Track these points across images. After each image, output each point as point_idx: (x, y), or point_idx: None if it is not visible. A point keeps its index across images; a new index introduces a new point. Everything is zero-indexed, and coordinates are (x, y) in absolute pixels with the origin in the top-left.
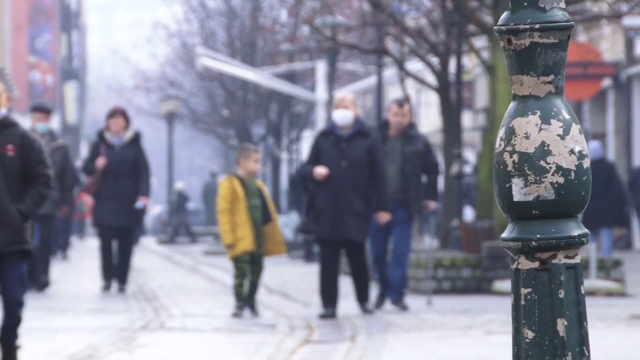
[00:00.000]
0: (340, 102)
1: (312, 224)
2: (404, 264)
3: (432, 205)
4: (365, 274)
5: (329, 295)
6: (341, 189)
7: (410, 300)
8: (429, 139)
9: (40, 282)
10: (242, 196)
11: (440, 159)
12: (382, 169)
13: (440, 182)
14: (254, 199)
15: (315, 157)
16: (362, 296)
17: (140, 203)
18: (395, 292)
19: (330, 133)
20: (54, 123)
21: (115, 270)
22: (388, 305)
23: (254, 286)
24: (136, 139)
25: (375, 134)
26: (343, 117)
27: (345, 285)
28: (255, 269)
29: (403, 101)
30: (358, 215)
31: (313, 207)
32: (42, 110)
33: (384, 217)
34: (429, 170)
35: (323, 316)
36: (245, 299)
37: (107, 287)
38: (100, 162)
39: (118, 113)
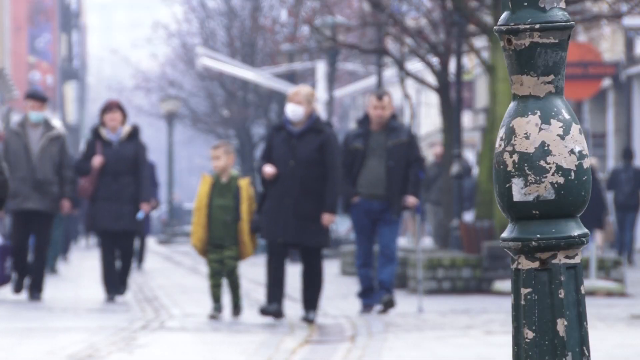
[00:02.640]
0: (293, 96)
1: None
2: (393, 261)
3: (411, 200)
4: (317, 281)
5: (273, 293)
6: (289, 189)
7: (410, 300)
8: (412, 131)
9: (33, 298)
10: (204, 195)
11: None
12: (334, 167)
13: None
14: (222, 198)
15: (268, 153)
16: (309, 303)
17: (141, 213)
18: (385, 290)
19: (282, 128)
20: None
21: (117, 278)
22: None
23: (231, 287)
24: (135, 133)
25: (331, 130)
26: (294, 112)
27: (345, 285)
28: (225, 269)
29: (382, 93)
30: (305, 218)
31: (262, 206)
32: (36, 98)
33: (327, 219)
34: (412, 164)
35: (265, 311)
36: (225, 300)
37: (111, 299)
38: (97, 160)
39: (114, 107)
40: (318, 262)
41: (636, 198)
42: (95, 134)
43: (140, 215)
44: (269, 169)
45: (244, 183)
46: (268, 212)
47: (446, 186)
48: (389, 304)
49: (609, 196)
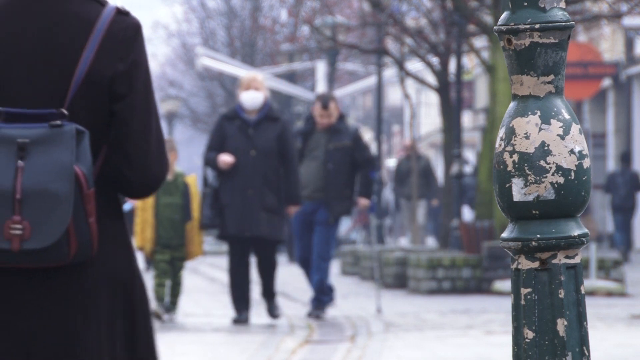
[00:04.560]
0: (251, 82)
1: (216, 219)
2: (322, 269)
3: (364, 202)
4: (274, 272)
5: (241, 299)
6: (250, 181)
7: (410, 300)
8: (360, 130)
9: None
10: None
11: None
12: (293, 157)
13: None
14: (170, 196)
15: (220, 143)
16: (270, 295)
17: (128, 205)
18: (313, 299)
19: (235, 117)
20: None
21: None
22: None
23: (173, 287)
24: None
25: (285, 118)
26: (253, 98)
27: (345, 284)
28: (172, 270)
29: (327, 100)
30: (269, 210)
31: (218, 200)
32: None
33: (293, 210)
34: (360, 165)
35: (237, 321)
36: (166, 300)
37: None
38: None
39: None
40: (275, 256)
41: (632, 200)
42: None
43: (126, 206)
44: (228, 158)
45: (192, 180)
46: (230, 206)
47: (446, 186)
48: (316, 318)
49: (606, 198)
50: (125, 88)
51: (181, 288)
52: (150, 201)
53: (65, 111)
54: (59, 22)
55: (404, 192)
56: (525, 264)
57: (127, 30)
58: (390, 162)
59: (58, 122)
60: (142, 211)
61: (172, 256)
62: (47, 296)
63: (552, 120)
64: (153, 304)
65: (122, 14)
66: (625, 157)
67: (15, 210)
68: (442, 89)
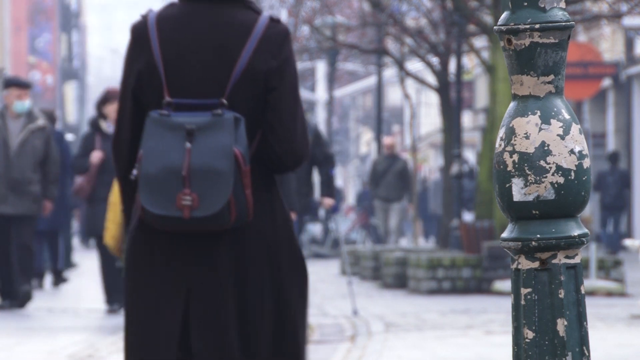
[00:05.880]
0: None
1: None
2: None
3: (328, 202)
4: None
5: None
6: None
7: (410, 300)
8: (319, 128)
9: (22, 294)
10: (118, 190)
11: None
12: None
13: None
14: None
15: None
16: None
17: None
18: None
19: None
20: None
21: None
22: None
23: None
24: None
25: None
26: None
27: (345, 285)
28: None
29: None
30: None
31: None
32: (20, 85)
33: None
34: (320, 163)
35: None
36: None
37: (113, 310)
38: (96, 156)
39: (117, 96)
40: None
41: (622, 199)
42: (95, 127)
43: None
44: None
45: None
46: None
47: (446, 186)
48: None
49: (595, 197)
50: (277, 81)
51: None
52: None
53: (225, 101)
54: (223, 27)
55: (379, 193)
56: (525, 264)
57: (279, 35)
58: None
59: (219, 111)
60: (112, 206)
61: None
62: (211, 254)
63: (552, 120)
64: None
65: (274, 21)
66: (614, 157)
67: (186, 185)
68: (442, 89)
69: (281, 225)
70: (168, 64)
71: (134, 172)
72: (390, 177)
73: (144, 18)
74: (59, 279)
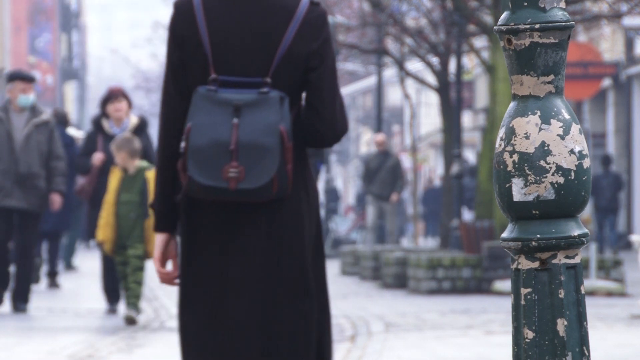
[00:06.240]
0: None
1: None
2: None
3: None
4: None
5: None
6: None
7: (410, 300)
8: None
9: (17, 310)
10: (112, 190)
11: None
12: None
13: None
14: (128, 193)
15: None
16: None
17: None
18: None
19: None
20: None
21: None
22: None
23: (133, 289)
24: (142, 126)
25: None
26: None
27: (345, 284)
28: (127, 270)
29: None
30: None
31: None
32: (24, 79)
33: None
34: (309, 155)
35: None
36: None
37: (113, 311)
38: (97, 157)
39: (119, 95)
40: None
41: (616, 201)
42: (97, 126)
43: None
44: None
45: (152, 175)
46: None
47: (446, 186)
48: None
49: (590, 200)
50: (318, 62)
51: (141, 290)
52: (112, 198)
53: (269, 80)
54: (267, 11)
55: (372, 190)
56: (525, 264)
57: (319, 18)
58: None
59: (265, 89)
60: (107, 205)
61: (128, 256)
62: (255, 223)
63: (552, 120)
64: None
65: (314, 4)
66: (607, 160)
67: (233, 158)
68: (442, 89)
69: (313, 197)
70: (214, 41)
71: (182, 144)
72: (383, 174)
73: None
74: (53, 283)
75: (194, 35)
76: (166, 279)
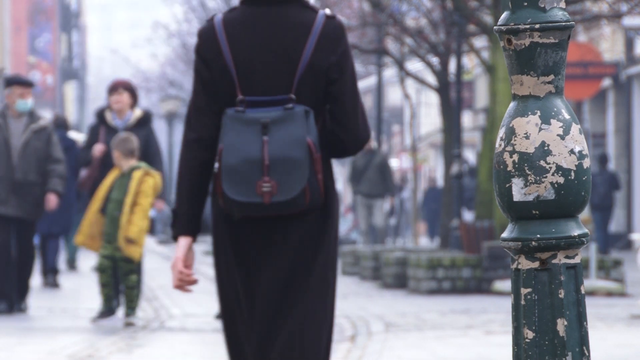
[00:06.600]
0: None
1: None
2: None
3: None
4: None
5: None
6: None
7: (410, 300)
8: None
9: (17, 310)
10: (104, 186)
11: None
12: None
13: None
14: (117, 191)
15: None
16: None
17: (153, 211)
18: None
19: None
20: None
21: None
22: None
23: (126, 295)
24: (146, 119)
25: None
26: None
27: (345, 284)
28: (120, 273)
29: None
30: None
31: None
32: (22, 84)
33: None
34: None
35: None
36: (121, 305)
37: (111, 313)
38: (98, 149)
39: (120, 87)
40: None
41: (610, 199)
42: (100, 118)
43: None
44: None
45: (138, 175)
46: None
47: (446, 186)
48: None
49: None
50: (337, 73)
51: (135, 293)
52: (101, 194)
53: (293, 96)
54: (285, 27)
55: (361, 189)
56: (525, 264)
57: (336, 30)
58: (393, 163)
59: (290, 105)
60: (95, 201)
61: (114, 255)
62: (290, 235)
63: (552, 120)
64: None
65: (330, 18)
66: (603, 159)
67: (265, 173)
68: (442, 89)
69: (337, 206)
70: (238, 64)
71: (216, 165)
72: (370, 173)
73: (210, 22)
74: (48, 282)
75: (220, 59)
76: (184, 281)
